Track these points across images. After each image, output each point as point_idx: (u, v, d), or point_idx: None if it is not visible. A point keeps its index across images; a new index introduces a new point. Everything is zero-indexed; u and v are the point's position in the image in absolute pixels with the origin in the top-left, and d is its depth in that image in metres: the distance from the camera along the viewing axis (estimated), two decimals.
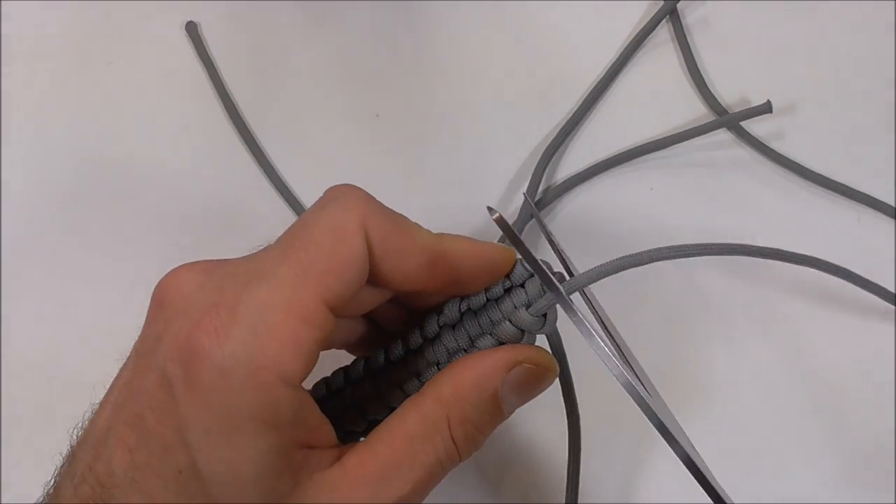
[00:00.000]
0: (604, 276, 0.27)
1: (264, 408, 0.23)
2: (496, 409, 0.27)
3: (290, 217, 0.43)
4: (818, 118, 0.44)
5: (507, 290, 0.28)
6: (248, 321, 0.24)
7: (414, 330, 0.29)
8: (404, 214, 0.28)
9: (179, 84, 0.47)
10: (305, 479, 0.25)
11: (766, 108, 0.41)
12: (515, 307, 0.28)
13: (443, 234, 0.28)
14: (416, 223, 0.27)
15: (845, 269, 0.36)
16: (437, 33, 0.47)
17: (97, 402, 0.27)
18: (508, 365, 0.27)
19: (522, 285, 0.28)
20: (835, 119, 0.44)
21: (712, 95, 0.44)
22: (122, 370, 0.27)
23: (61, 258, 0.43)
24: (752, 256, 0.29)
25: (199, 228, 0.44)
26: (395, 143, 0.45)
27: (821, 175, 0.42)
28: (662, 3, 0.46)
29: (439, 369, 0.28)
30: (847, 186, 0.42)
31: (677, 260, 0.30)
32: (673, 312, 0.41)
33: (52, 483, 0.27)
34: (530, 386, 0.27)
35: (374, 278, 0.27)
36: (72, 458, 0.26)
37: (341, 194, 0.27)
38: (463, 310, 0.29)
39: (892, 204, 0.41)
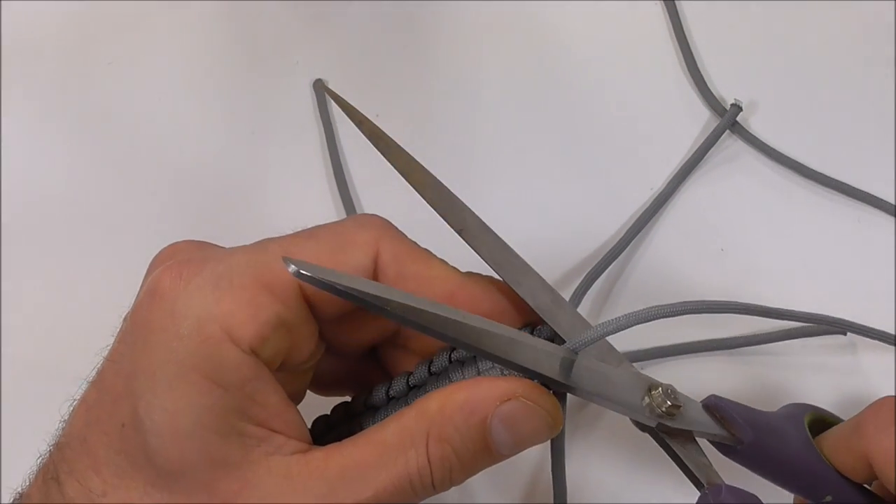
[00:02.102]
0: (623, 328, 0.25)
1: (207, 361, 0.23)
2: (482, 440, 0.24)
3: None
4: (819, 117, 0.44)
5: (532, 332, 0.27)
6: (213, 274, 0.24)
7: (420, 365, 0.27)
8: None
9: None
10: (260, 459, 0.24)
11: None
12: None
13: (471, 272, 0.27)
14: (439, 258, 0.27)
15: (846, 321, 0.36)
16: (437, 33, 0.47)
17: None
18: (504, 395, 0.24)
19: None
20: (835, 118, 0.44)
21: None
22: None
23: (61, 258, 0.43)
24: (741, 314, 0.28)
25: (200, 229, 0.43)
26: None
27: (821, 174, 0.42)
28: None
29: None
30: (847, 185, 0.42)
31: None
32: None
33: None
34: (524, 426, 0.25)
35: None
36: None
37: (361, 216, 0.27)
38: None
39: (893, 203, 0.41)
